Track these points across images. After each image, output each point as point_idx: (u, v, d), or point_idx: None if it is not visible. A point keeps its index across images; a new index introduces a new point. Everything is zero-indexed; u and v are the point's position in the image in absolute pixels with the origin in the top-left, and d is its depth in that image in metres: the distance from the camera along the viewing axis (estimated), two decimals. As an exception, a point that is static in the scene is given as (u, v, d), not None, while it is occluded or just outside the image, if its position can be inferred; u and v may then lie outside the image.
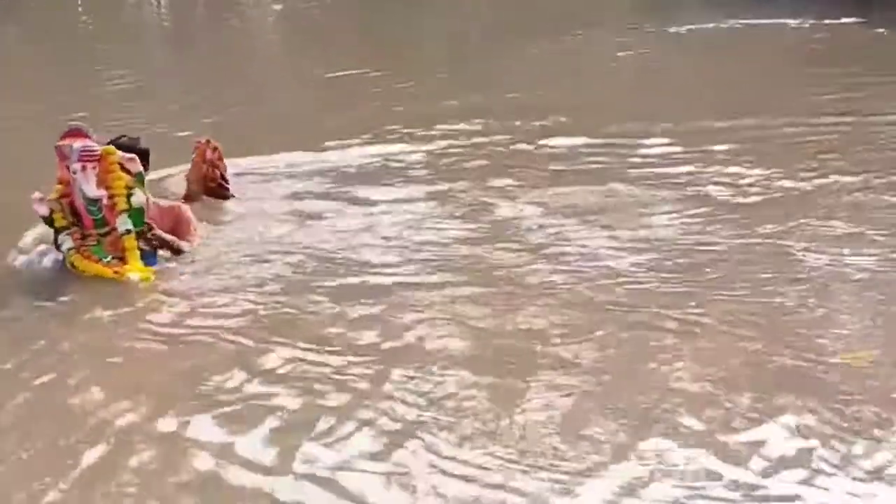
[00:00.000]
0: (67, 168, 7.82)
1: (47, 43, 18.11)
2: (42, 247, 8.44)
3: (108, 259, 7.98)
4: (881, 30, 17.71)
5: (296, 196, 9.79)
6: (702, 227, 8.84)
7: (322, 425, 5.86)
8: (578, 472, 5.42)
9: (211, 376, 6.46)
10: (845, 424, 5.80)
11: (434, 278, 7.88)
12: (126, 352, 6.96)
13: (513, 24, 19.03)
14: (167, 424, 5.93)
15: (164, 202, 8.61)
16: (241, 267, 8.15)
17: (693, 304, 7.32)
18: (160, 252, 8.20)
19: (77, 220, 8.00)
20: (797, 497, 5.23)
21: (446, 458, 5.54)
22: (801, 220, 8.88)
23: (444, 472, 5.42)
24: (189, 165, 9.76)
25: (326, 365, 6.56)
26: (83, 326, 7.30)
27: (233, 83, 14.96)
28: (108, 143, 8.11)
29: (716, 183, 9.98)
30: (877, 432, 5.73)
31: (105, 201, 7.87)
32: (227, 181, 9.52)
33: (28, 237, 8.65)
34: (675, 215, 9.12)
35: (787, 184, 9.90)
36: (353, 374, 6.43)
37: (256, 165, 10.65)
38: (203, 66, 16.44)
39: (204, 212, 9.23)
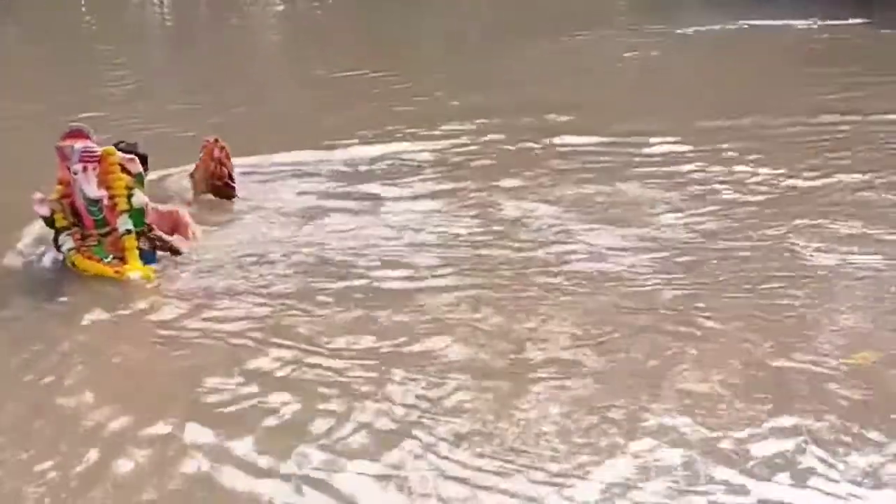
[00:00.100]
0: (68, 169, 7.83)
1: (50, 42, 18.09)
2: (42, 248, 8.44)
3: (109, 259, 7.99)
4: (886, 30, 17.69)
5: (299, 196, 9.76)
6: (707, 227, 8.83)
7: (321, 427, 5.84)
8: (575, 474, 5.41)
9: (210, 377, 6.44)
10: (849, 425, 5.77)
11: (438, 279, 7.85)
12: (125, 352, 6.94)
13: (513, 23, 19.01)
14: (165, 425, 5.90)
15: (162, 207, 8.63)
16: (243, 268, 8.12)
17: (698, 304, 7.31)
18: (159, 253, 8.18)
19: (78, 220, 8.01)
20: (798, 499, 5.22)
21: (444, 459, 5.54)
22: (807, 220, 8.88)
23: (441, 474, 5.41)
24: (191, 165, 9.77)
25: (327, 367, 6.54)
26: (82, 327, 7.27)
27: (235, 83, 14.94)
28: None
29: (721, 182, 9.97)
30: (880, 434, 5.71)
31: (106, 202, 7.88)
32: (233, 180, 9.51)
33: (27, 237, 8.64)
34: (680, 215, 9.12)
35: (793, 183, 9.89)
36: (354, 376, 6.41)
37: (259, 165, 10.62)
38: (205, 65, 16.41)
39: (207, 211, 9.25)
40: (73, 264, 8.00)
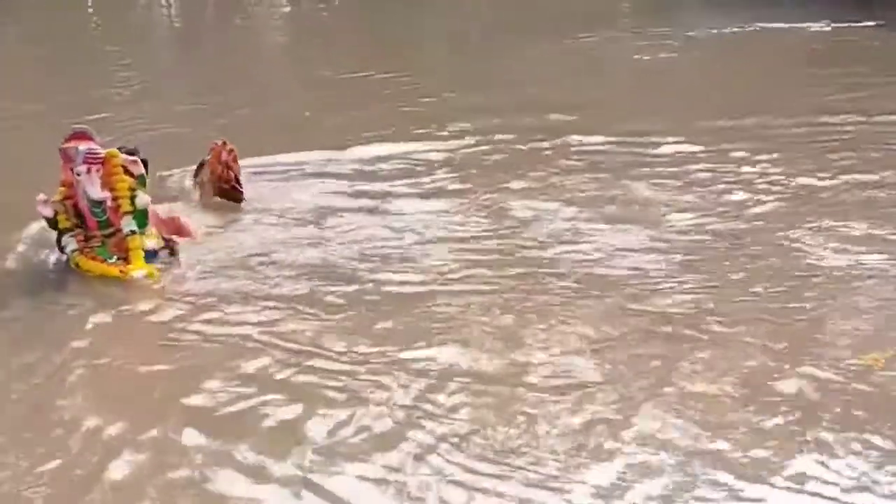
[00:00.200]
0: (71, 170, 7.87)
1: (55, 43, 18.03)
2: (45, 249, 8.42)
3: (113, 260, 8.02)
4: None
5: (306, 197, 9.71)
6: (716, 228, 8.79)
7: (321, 430, 5.84)
8: (575, 478, 5.40)
9: (210, 380, 6.42)
10: (858, 429, 5.75)
11: (446, 281, 7.82)
12: (127, 354, 6.91)
13: (517, 24, 18.92)
14: (164, 428, 5.89)
15: (163, 212, 8.66)
16: (248, 269, 8.10)
17: (706, 306, 7.29)
18: (162, 254, 8.21)
19: (81, 221, 8.04)
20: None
21: (444, 462, 5.53)
22: (816, 221, 8.84)
23: (441, 478, 5.40)
24: (196, 165, 9.79)
25: (331, 370, 6.52)
26: (84, 328, 7.26)
27: (241, 84, 14.89)
28: None
29: (730, 183, 9.92)
30: (884, 440, 5.68)
31: (109, 203, 7.93)
32: (240, 183, 9.48)
33: (28, 237, 8.63)
34: (689, 216, 9.09)
35: (801, 184, 9.83)
36: (359, 379, 6.38)
37: (266, 166, 10.56)
38: (211, 66, 16.38)
39: (213, 213, 9.25)
40: (77, 265, 8.01)
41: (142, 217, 8.01)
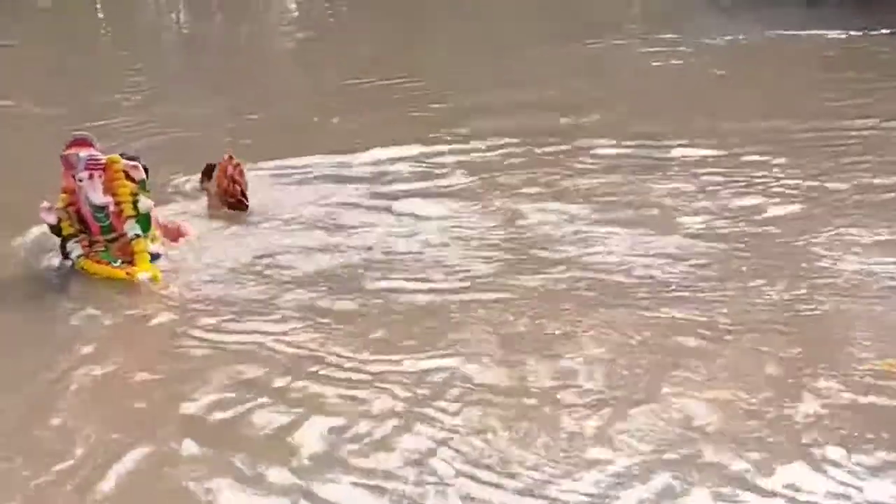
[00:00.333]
0: (73, 177, 7.92)
1: (65, 47, 18.10)
2: (49, 252, 8.42)
3: (118, 263, 8.03)
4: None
5: (315, 203, 9.67)
6: (730, 233, 8.73)
7: (321, 438, 5.77)
8: (581, 488, 5.34)
9: (211, 386, 6.38)
10: (878, 433, 5.69)
11: (458, 286, 7.77)
12: (128, 360, 6.89)
13: (528, 29, 18.91)
14: (162, 435, 5.84)
15: (163, 219, 8.67)
16: (256, 274, 8.07)
17: (721, 311, 7.23)
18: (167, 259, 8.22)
19: (84, 227, 8.07)
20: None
21: (472, 464, 5.50)
22: (830, 226, 8.76)
23: (472, 478, 5.38)
24: (201, 169, 9.85)
25: (333, 378, 6.46)
26: (86, 332, 7.26)
27: (250, 89, 14.88)
28: None
29: (744, 188, 9.84)
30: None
31: (112, 208, 7.98)
32: (246, 197, 9.46)
33: (30, 240, 8.64)
34: (703, 221, 9.02)
35: (816, 188, 9.75)
36: (361, 387, 6.32)
37: (275, 171, 10.56)
38: (220, 71, 16.40)
39: (221, 217, 9.24)
40: (83, 268, 8.04)
41: (145, 221, 8.05)
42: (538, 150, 11.23)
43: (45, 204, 8.06)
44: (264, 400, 6.17)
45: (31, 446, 5.78)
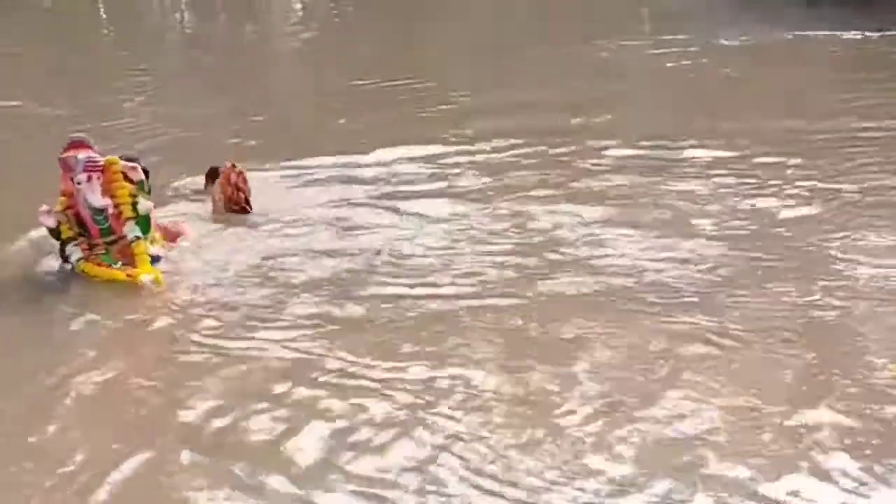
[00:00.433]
0: (71, 180, 7.92)
1: (68, 48, 18.07)
2: (47, 257, 8.38)
3: (118, 265, 8.01)
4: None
5: (324, 204, 9.61)
6: (744, 236, 8.64)
7: (355, 435, 5.76)
8: (610, 489, 5.30)
9: (211, 393, 6.30)
10: (889, 442, 5.62)
11: (467, 289, 7.70)
12: (128, 366, 6.81)
13: (538, 30, 18.86)
14: (162, 443, 5.76)
15: (162, 221, 8.66)
16: (261, 277, 8.01)
17: (735, 314, 7.15)
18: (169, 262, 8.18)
19: (83, 230, 8.06)
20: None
21: (480, 472, 5.43)
22: (846, 229, 8.66)
23: (473, 486, 5.32)
24: (205, 172, 9.81)
25: (358, 375, 6.43)
26: (85, 337, 7.23)
27: (254, 90, 14.86)
28: None
29: (758, 190, 9.73)
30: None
31: (111, 210, 7.96)
32: (249, 204, 9.42)
33: (29, 243, 8.61)
34: (717, 223, 8.93)
35: (832, 191, 9.63)
36: (386, 385, 6.30)
37: (282, 172, 10.49)
38: (225, 73, 16.38)
39: (227, 219, 9.19)
40: (84, 272, 8.00)
41: (145, 223, 8.02)
42: (548, 152, 11.15)
43: (44, 207, 8.04)
44: (265, 406, 6.09)
45: (30, 452, 5.72)
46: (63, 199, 8.00)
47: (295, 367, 6.56)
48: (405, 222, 9.11)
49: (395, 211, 9.39)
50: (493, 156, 11.05)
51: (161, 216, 8.71)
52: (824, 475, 5.33)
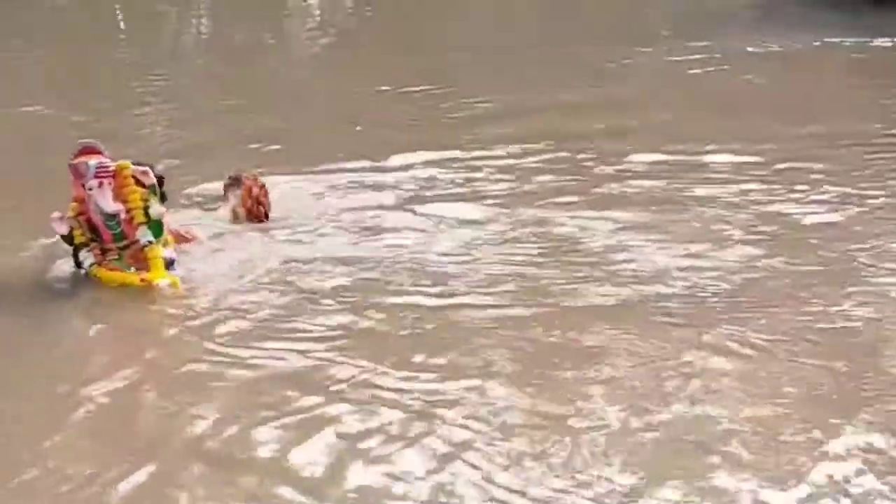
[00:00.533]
0: (82, 186, 7.89)
1: (84, 53, 18.06)
2: (58, 261, 8.31)
3: (132, 270, 7.99)
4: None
5: (343, 210, 9.50)
6: (770, 244, 8.56)
7: (368, 444, 5.71)
8: (627, 499, 5.26)
9: (219, 403, 6.23)
10: None
11: (488, 296, 7.65)
12: (138, 374, 6.69)
13: (560, 36, 18.71)
14: (167, 455, 5.69)
15: (175, 226, 8.56)
16: (279, 283, 7.93)
17: (760, 323, 7.07)
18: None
19: (96, 235, 8.03)
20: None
21: (492, 481, 5.39)
22: (873, 237, 8.60)
23: (489, 495, 5.28)
24: (224, 180, 9.67)
25: (374, 384, 6.37)
26: (95, 345, 7.22)
27: (273, 95, 14.73)
28: None
29: (784, 199, 9.64)
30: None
31: (123, 215, 7.92)
32: (268, 218, 9.33)
33: (42, 247, 8.55)
34: (741, 232, 8.84)
35: (856, 201, 9.54)
36: (402, 394, 6.23)
37: (302, 177, 10.37)
38: (243, 79, 16.23)
39: (248, 225, 9.11)
40: (97, 277, 7.98)
41: (157, 227, 7.98)
42: (569, 157, 11.02)
43: (56, 214, 7.99)
44: (275, 416, 6.00)
45: (38, 461, 5.63)
46: (74, 205, 7.95)
47: (309, 376, 6.48)
48: (425, 228, 9.02)
49: (416, 217, 9.31)
50: (514, 161, 10.92)
51: (177, 221, 8.66)
52: (845, 494, 5.26)
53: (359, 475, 5.43)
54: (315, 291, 7.75)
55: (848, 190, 9.74)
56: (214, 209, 9.45)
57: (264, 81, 15.80)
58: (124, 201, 7.87)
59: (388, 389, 6.28)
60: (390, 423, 5.89)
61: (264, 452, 5.66)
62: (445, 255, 8.39)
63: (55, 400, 6.31)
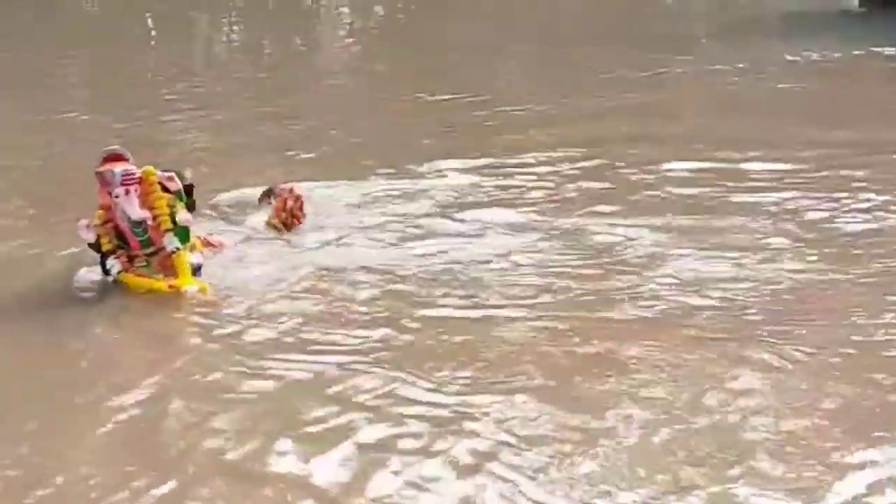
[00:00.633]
0: (109, 193, 7.89)
1: (114, 56, 18.11)
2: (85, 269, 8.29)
3: (160, 277, 7.96)
4: None
5: (380, 219, 9.44)
6: (808, 255, 8.44)
7: (392, 456, 5.61)
8: None
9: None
10: None
11: (523, 307, 7.53)
12: (162, 385, 6.61)
13: (599, 44, 18.63)
14: (186, 472, 5.57)
15: (202, 234, 8.54)
16: (309, 292, 7.87)
17: (799, 335, 6.95)
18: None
19: (123, 242, 8.01)
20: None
21: (520, 493, 5.31)
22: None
23: None
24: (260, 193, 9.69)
25: (401, 396, 6.28)
26: (121, 354, 7.22)
27: (306, 103, 14.82)
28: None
29: (827, 207, 9.55)
30: None
31: (150, 222, 7.92)
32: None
33: (69, 255, 8.52)
34: (783, 242, 8.72)
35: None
36: (432, 404, 6.17)
37: (336, 186, 10.32)
38: (274, 86, 16.31)
39: (283, 237, 9.03)
40: (124, 282, 7.95)
41: (183, 233, 7.96)
42: (607, 164, 10.97)
43: (83, 221, 7.97)
44: (299, 427, 5.94)
45: (55, 474, 5.55)
46: (101, 212, 7.94)
47: (334, 387, 6.38)
48: (460, 237, 8.95)
49: (450, 226, 9.24)
50: (551, 168, 10.84)
51: (210, 228, 8.70)
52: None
53: (383, 487, 5.36)
54: (346, 301, 7.67)
55: (889, 198, 9.63)
56: (248, 216, 9.40)
57: (297, 88, 15.87)
58: (151, 208, 7.86)
59: (416, 401, 6.20)
60: (416, 436, 5.81)
61: (287, 465, 5.58)
62: (480, 264, 8.30)
63: (79, 410, 6.26)
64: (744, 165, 10.76)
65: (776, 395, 6.17)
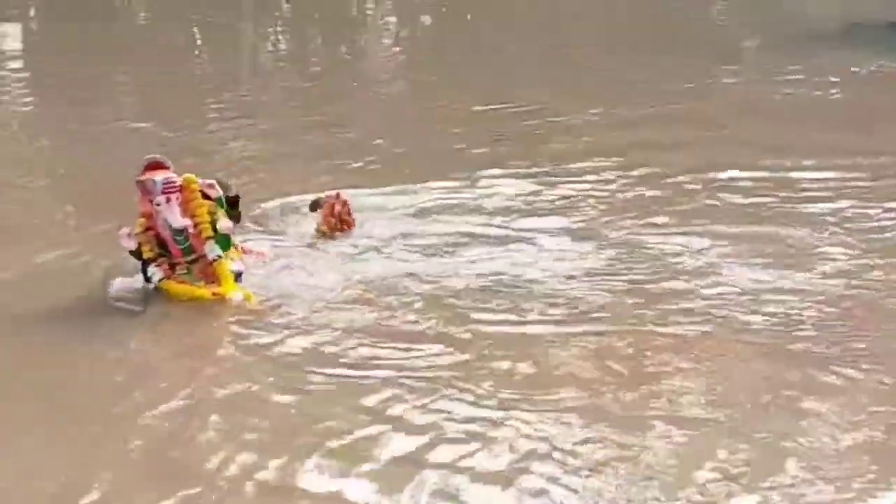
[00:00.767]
0: (150, 202, 7.88)
1: (158, 66, 18.11)
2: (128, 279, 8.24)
3: (201, 284, 7.94)
4: None
5: (428, 228, 9.36)
6: (867, 266, 8.35)
7: (426, 471, 5.59)
8: None
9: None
10: None
11: (571, 319, 7.49)
12: (204, 391, 6.64)
13: (651, 53, 18.47)
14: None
15: (239, 244, 8.49)
16: (356, 302, 7.80)
17: (859, 351, 6.88)
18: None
19: (164, 250, 8.00)
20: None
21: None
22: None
23: None
24: (300, 197, 9.72)
25: (442, 410, 6.22)
26: (162, 366, 7.14)
27: (352, 113, 14.66)
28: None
29: (879, 218, 9.43)
30: None
31: (191, 230, 7.90)
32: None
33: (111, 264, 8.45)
34: (839, 251, 8.64)
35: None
36: (466, 421, 6.10)
37: (384, 196, 10.23)
38: (320, 95, 16.21)
39: (332, 244, 8.99)
40: (165, 290, 7.93)
41: (224, 241, 7.95)
42: (661, 172, 10.85)
43: (125, 230, 7.97)
44: (332, 441, 5.88)
45: (91, 485, 5.53)
46: (142, 220, 7.93)
47: (373, 400, 6.34)
48: (511, 248, 8.85)
49: (501, 236, 9.15)
50: (602, 177, 10.75)
51: (258, 236, 8.75)
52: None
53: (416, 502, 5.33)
54: (392, 312, 7.60)
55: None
56: (295, 225, 9.38)
57: (343, 97, 15.74)
58: (192, 215, 7.85)
59: (452, 416, 6.16)
60: (451, 450, 5.77)
61: (319, 479, 5.55)
62: (530, 275, 8.22)
63: (112, 421, 6.22)
64: (797, 174, 10.67)
65: (832, 409, 6.13)
